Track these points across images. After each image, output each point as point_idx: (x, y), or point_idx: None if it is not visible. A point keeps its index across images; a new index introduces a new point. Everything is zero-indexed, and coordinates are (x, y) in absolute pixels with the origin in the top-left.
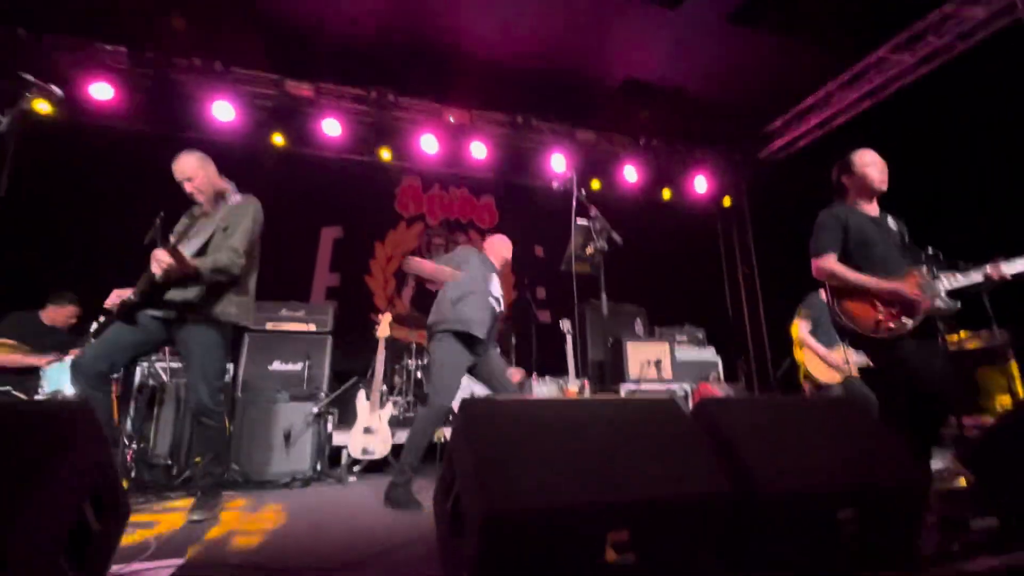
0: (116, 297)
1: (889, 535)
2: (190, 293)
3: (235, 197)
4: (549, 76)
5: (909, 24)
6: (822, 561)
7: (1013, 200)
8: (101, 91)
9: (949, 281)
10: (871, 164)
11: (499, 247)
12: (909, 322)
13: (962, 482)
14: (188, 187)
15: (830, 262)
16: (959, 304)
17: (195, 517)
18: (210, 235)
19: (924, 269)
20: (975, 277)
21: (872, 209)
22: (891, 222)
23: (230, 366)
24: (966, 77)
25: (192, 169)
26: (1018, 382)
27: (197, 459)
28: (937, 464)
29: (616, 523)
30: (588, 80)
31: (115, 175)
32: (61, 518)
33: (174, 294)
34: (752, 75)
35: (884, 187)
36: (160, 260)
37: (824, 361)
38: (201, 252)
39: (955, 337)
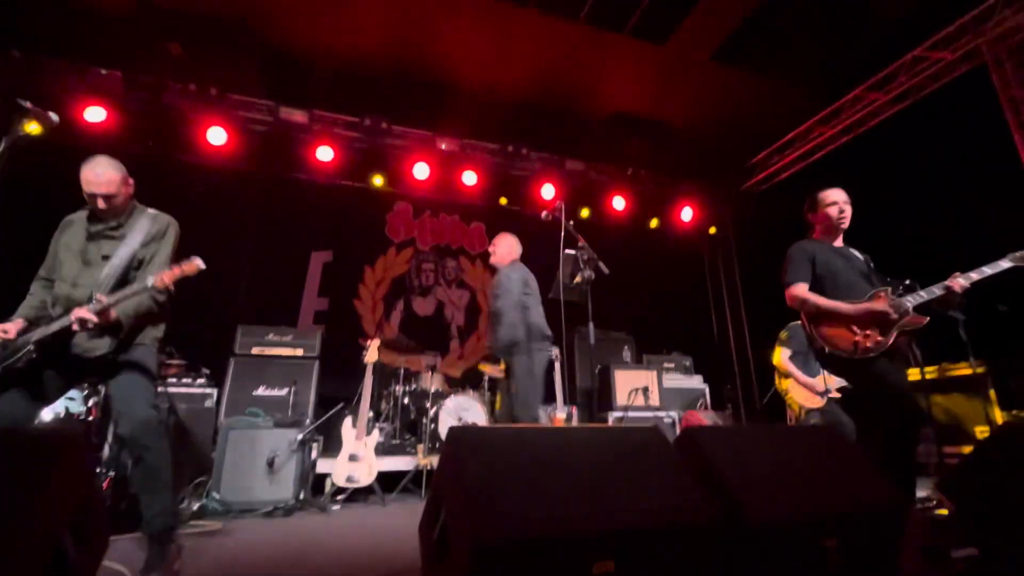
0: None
1: (870, 561)
2: (103, 345)
3: (148, 210)
4: (540, 107)
5: (883, 65)
6: None
7: (978, 226)
8: (95, 114)
9: (915, 298)
10: (832, 204)
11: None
12: (885, 340)
13: (943, 511)
14: (103, 204)
15: (801, 290)
16: (927, 319)
17: None
18: (128, 261)
19: (889, 290)
20: (937, 292)
21: (837, 242)
22: (855, 253)
23: (214, 391)
24: (936, 114)
25: (117, 184)
26: (996, 411)
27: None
28: (919, 492)
29: (602, 553)
30: (578, 112)
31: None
32: (39, 547)
33: (85, 345)
34: (735, 110)
35: (845, 224)
36: (84, 320)
37: (804, 387)
38: (120, 282)
39: (934, 368)
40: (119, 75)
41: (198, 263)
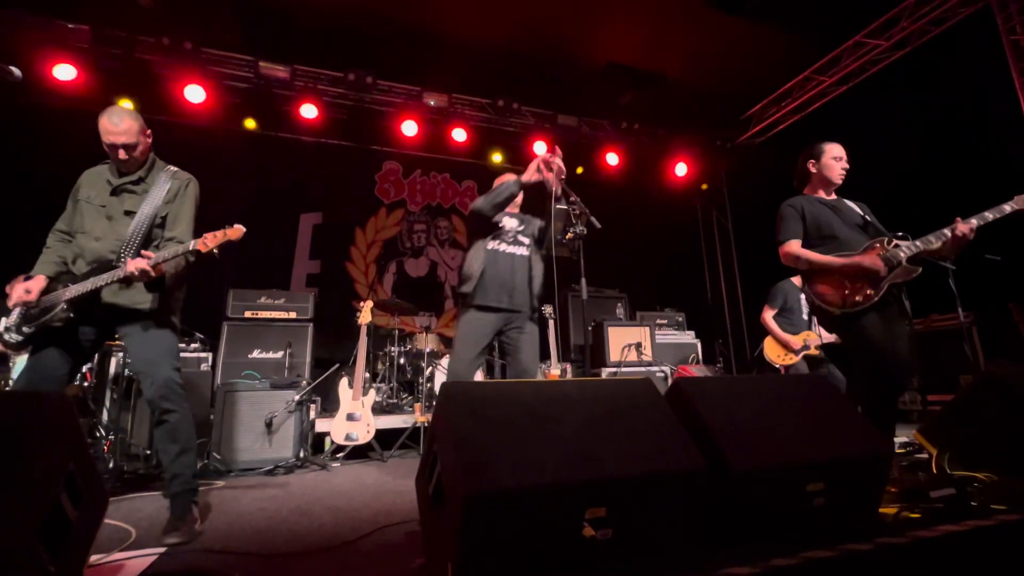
0: (22, 291)
1: (854, 505)
2: (141, 297)
3: (168, 166)
4: (531, 59)
5: (885, 9)
6: (792, 532)
7: (979, 174)
8: (64, 72)
9: (910, 248)
10: (838, 159)
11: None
12: (874, 293)
13: (925, 455)
14: (124, 155)
15: (794, 247)
16: (920, 269)
17: (171, 540)
18: (151, 219)
19: (885, 241)
20: (934, 242)
21: (830, 196)
22: (850, 204)
23: (208, 355)
24: (938, 61)
25: (137, 133)
26: (980, 358)
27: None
28: (902, 438)
29: (593, 500)
30: (570, 63)
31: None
32: (36, 508)
33: (116, 297)
34: (731, 61)
35: (840, 181)
36: (143, 271)
37: (780, 344)
38: (145, 239)
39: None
40: (87, 29)
41: (241, 229)
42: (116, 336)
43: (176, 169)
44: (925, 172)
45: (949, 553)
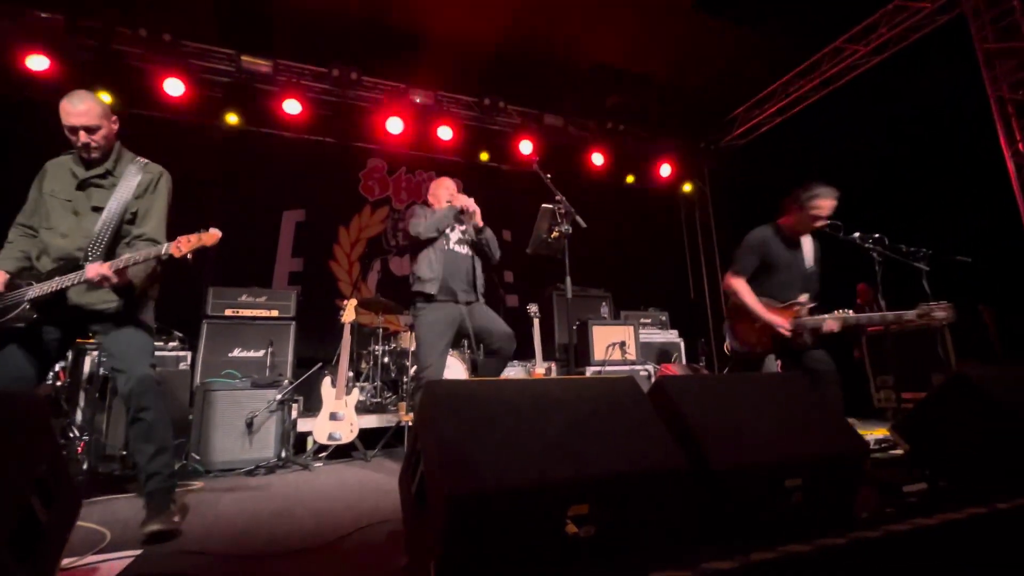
0: None
1: (831, 500)
2: (107, 296)
3: (137, 158)
4: (518, 60)
5: (864, 16)
6: (771, 527)
7: (951, 177)
8: (36, 63)
9: (815, 321)
10: (819, 211)
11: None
12: (770, 347)
13: (898, 451)
14: (85, 137)
15: (740, 284)
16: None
17: (152, 528)
18: (120, 214)
19: (807, 299)
20: (833, 324)
21: (795, 237)
22: (807, 251)
23: (188, 354)
24: (914, 67)
25: (98, 116)
26: (952, 358)
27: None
28: (877, 434)
29: (576, 498)
30: (557, 64)
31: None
32: (5, 511)
33: (82, 299)
34: (715, 64)
35: (811, 230)
36: (105, 277)
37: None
38: (114, 235)
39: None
40: (61, 19)
41: (217, 234)
42: (89, 334)
43: (146, 161)
44: (902, 174)
45: (921, 546)
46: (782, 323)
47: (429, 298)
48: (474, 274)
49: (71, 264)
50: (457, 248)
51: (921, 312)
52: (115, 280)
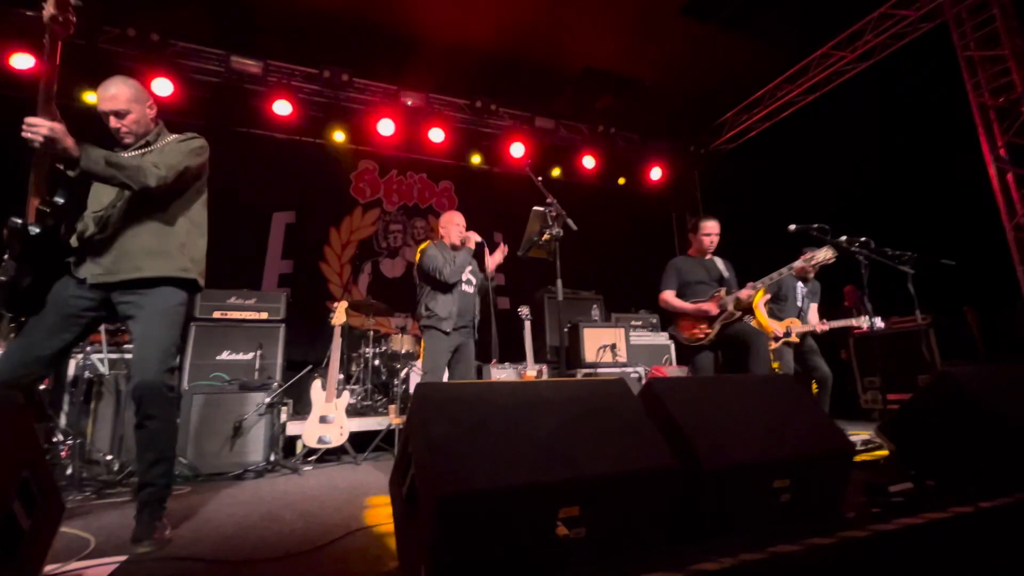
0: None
1: (818, 500)
2: (95, 269)
3: (171, 135)
4: (509, 61)
5: (851, 23)
6: (760, 527)
7: (933, 180)
8: (21, 61)
9: (732, 299)
10: (707, 235)
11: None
12: (711, 331)
13: (884, 452)
14: (115, 123)
15: (668, 296)
16: (741, 313)
17: (141, 550)
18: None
19: (724, 291)
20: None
21: (704, 257)
22: (717, 263)
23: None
24: (898, 73)
25: (127, 100)
26: (937, 359)
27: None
28: (864, 435)
29: (567, 500)
30: (548, 67)
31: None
32: None
33: (102, 273)
34: (705, 68)
35: (712, 249)
36: (34, 125)
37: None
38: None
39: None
40: None
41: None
42: (120, 319)
43: (192, 135)
44: (887, 178)
45: (907, 545)
46: (709, 305)
47: (444, 332)
48: (475, 312)
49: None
50: (466, 288)
51: (805, 258)
52: (47, 123)
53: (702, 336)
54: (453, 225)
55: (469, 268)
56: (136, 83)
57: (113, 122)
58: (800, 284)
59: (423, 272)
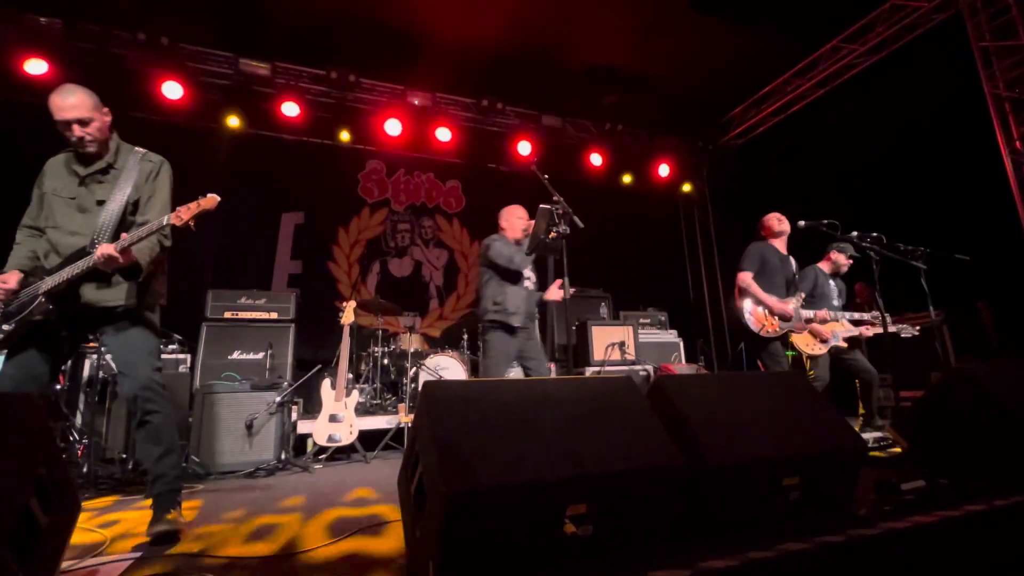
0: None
1: (828, 498)
2: (117, 294)
3: (135, 148)
4: (515, 60)
5: (861, 15)
6: (769, 525)
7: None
8: (35, 67)
9: (808, 312)
10: (779, 224)
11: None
12: (781, 329)
13: (897, 449)
14: (80, 131)
15: (748, 278)
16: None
17: (159, 529)
18: (123, 205)
19: (801, 297)
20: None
21: (782, 249)
22: (791, 262)
23: (187, 357)
24: (911, 65)
25: (90, 108)
26: (951, 356)
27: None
28: (876, 432)
29: (574, 497)
30: (554, 65)
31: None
32: (4, 513)
33: (93, 295)
34: (713, 64)
35: (784, 234)
36: (111, 257)
37: (810, 331)
38: (118, 227)
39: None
40: (59, 23)
41: (215, 198)
42: (91, 338)
43: (145, 151)
44: (899, 173)
45: (919, 544)
46: (787, 307)
47: (511, 329)
48: (535, 312)
49: (81, 256)
50: (528, 284)
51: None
52: (121, 260)
53: (772, 330)
54: (516, 219)
55: (530, 267)
56: (88, 89)
57: (77, 130)
58: (832, 282)
59: (491, 262)
